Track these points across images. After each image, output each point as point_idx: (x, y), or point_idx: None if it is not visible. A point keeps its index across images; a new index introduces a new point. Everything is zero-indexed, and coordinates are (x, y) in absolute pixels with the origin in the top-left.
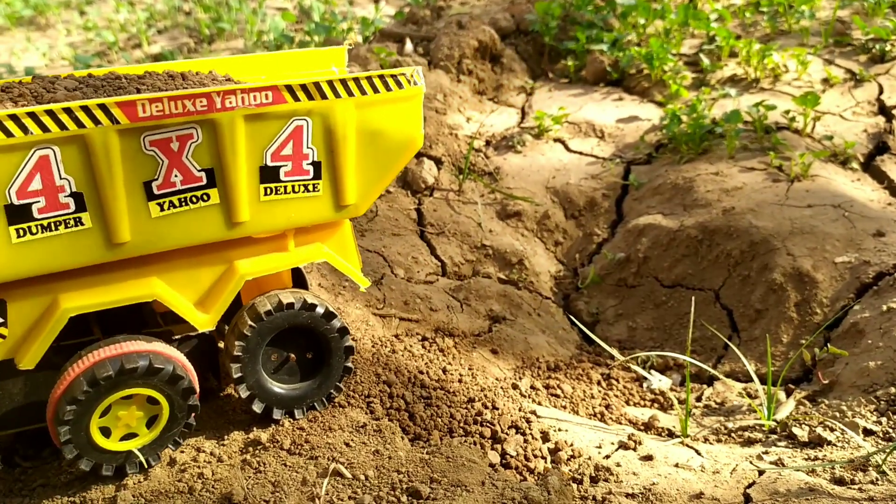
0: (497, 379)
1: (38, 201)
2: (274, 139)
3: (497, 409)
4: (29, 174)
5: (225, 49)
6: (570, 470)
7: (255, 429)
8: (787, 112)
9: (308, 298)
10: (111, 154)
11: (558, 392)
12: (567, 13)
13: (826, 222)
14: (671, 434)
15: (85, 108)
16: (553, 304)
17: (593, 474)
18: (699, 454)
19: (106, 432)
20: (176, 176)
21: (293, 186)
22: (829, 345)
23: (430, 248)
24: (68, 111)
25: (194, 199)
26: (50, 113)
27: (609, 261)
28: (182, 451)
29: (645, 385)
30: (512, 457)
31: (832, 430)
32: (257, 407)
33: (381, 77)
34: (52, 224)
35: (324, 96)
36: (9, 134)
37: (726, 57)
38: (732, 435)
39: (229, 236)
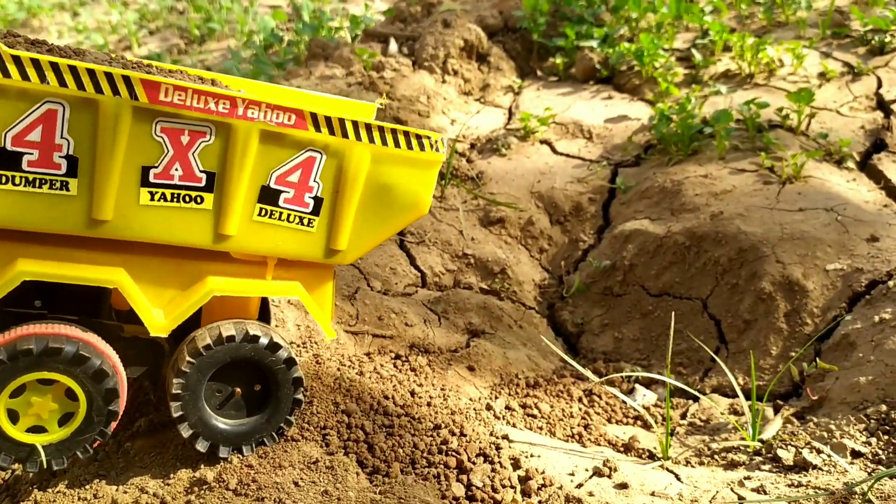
0: (471, 399)
1: (31, 154)
2: (284, 163)
3: (465, 435)
4: (31, 124)
5: (216, 49)
6: (539, 501)
7: (202, 466)
8: (781, 110)
9: (251, 330)
10: (119, 127)
11: (535, 412)
12: (557, 8)
13: (818, 227)
14: (652, 456)
15: (108, 75)
16: (537, 315)
17: None
18: (679, 479)
19: (13, 417)
20: (176, 170)
21: (289, 215)
22: (818, 359)
23: (410, 257)
24: (91, 72)
25: (187, 199)
26: (73, 69)
27: (594, 268)
28: (125, 492)
29: (628, 402)
30: (478, 488)
31: (819, 452)
32: (201, 446)
33: (406, 133)
34: (38, 181)
35: (344, 135)
36: (25, 77)
37: (720, 51)
38: (716, 457)
39: (211, 247)
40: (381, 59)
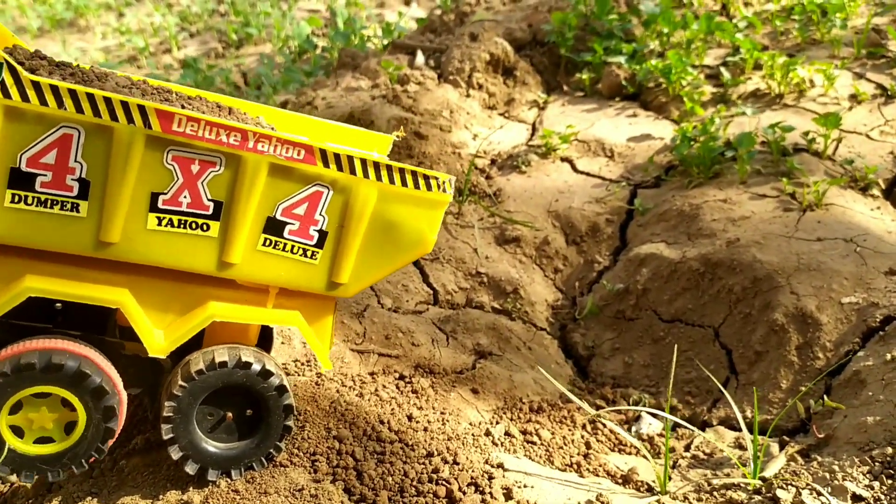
0: (471, 424)
1: (45, 175)
2: (291, 195)
3: (458, 463)
4: (46, 146)
5: (253, 54)
6: None
7: (191, 489)
8: (807, 133)
9: (243, 356)
10: (132, 154)
11: (535, 438)
12: (587, 22)
13: (835, 258)
14: (650, 489)
15: (124, 104)
16: (548, 336)
17: None
18: None
19: (18, 433)
20: (185, 197)
21: (293, 247)
22: (825, 396)
23: (423, 275)
24: (108, 101)
25: (194, 226)
26: (90, 97)
27: (608, 291)
28: None
29: (633, 430)
30: None
31: (818, 494)
32: (190, 469)
33: (414, 173)
34: (50, 202)
35: (352, 171)
36: (43, 102)
37: (750, 70)
38: (715, 493)
39: (214, 273)
40: (405, 73)
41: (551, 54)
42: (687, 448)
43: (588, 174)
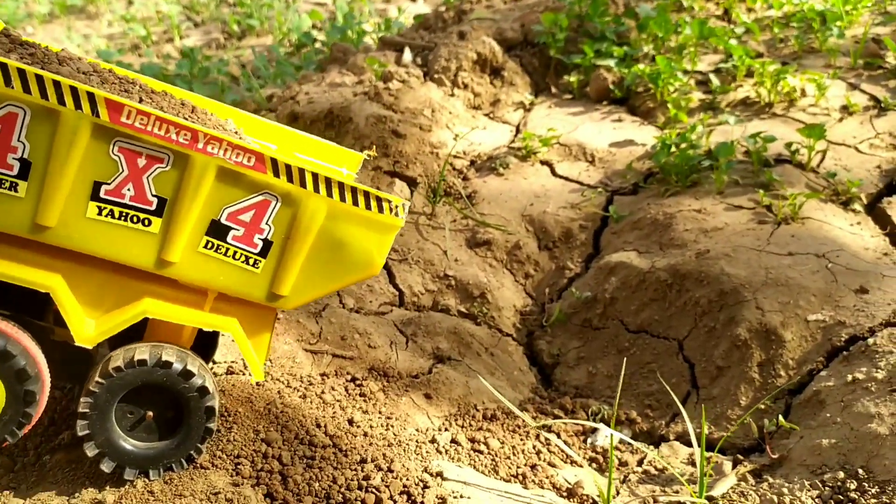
0: (417, 430)
1: None
2: (238, 201)
3: (392, 471)
4: None
5: (256, 45)
6: None
7: (107, 487)
8: (790, 144)
9: (164, 355)
10: (77, 141)
11: (483, 447)
12: (581, 24)
13: (805, 273)
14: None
15: (73, 90)
16: (513, 342)
17: None
18: None
19: None
20: (129, 190)
21: (235, 253)
22: (780, 416)
23: (390, 275)
24: (57, 84)
25: (135, 220)
26: (39, 78)
27: (576, 299)
28: None
29: (590, 441)
30: None
31: None
32: (106, 466)
33: (367, 194)
34: None
35: (303, 184)
36: None
37: (742, 77)
38: None
39: (152, 270)
40: (390, 70)
41: (541, 55)
42: (640, 462)
43: (567, 179)
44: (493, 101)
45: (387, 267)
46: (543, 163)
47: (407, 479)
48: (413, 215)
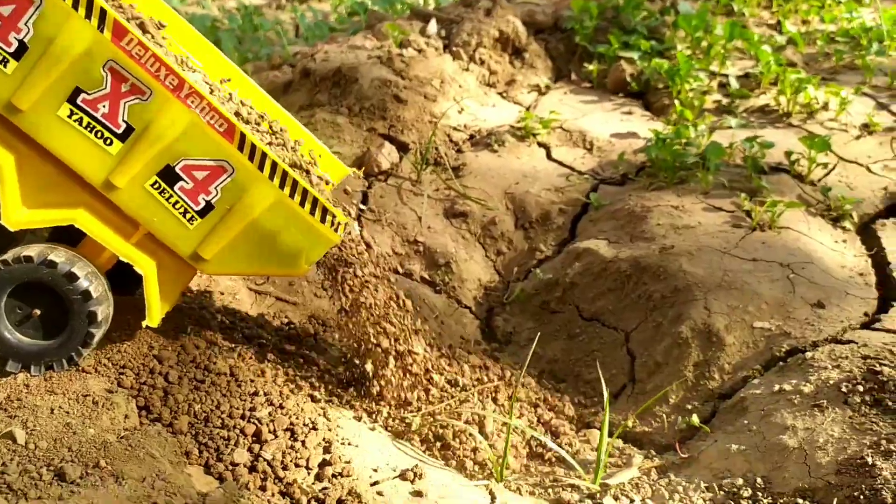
0: None
1: None
2: (197, 158)
3: (283, 407)
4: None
5: (317, 9)
6: (322, 489)
7: None
8: (790, 154)
9: (52, 255)
10: (74, 44)
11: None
12: (616, 15)
13: (763, 281)
14: (491, 474)
15: (89, 1)
16: (470, 315)
17: (342, 497)
18: (492, 502)
19: None
20: (104, 107)
21: (177, 202)
22: (695, 417)
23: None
24: None
25: (99, 135)
26: None
27: (538, 280)
28: None
29: (476, 435)
30: (266, 461)
31: None
32: None
33: (315, 200)
34: None
35: (261, 167)
36: None
37: (767, 84)
38: (549, 490)
39: (96, 186)
40: (409, 38)
41: (568, 41)
42: (560, 445)
43: (560, 163)
44: (509, 80)
45: (361, 225)
46: (541, 145)
47: (297, 418)
48: (399, 179)
